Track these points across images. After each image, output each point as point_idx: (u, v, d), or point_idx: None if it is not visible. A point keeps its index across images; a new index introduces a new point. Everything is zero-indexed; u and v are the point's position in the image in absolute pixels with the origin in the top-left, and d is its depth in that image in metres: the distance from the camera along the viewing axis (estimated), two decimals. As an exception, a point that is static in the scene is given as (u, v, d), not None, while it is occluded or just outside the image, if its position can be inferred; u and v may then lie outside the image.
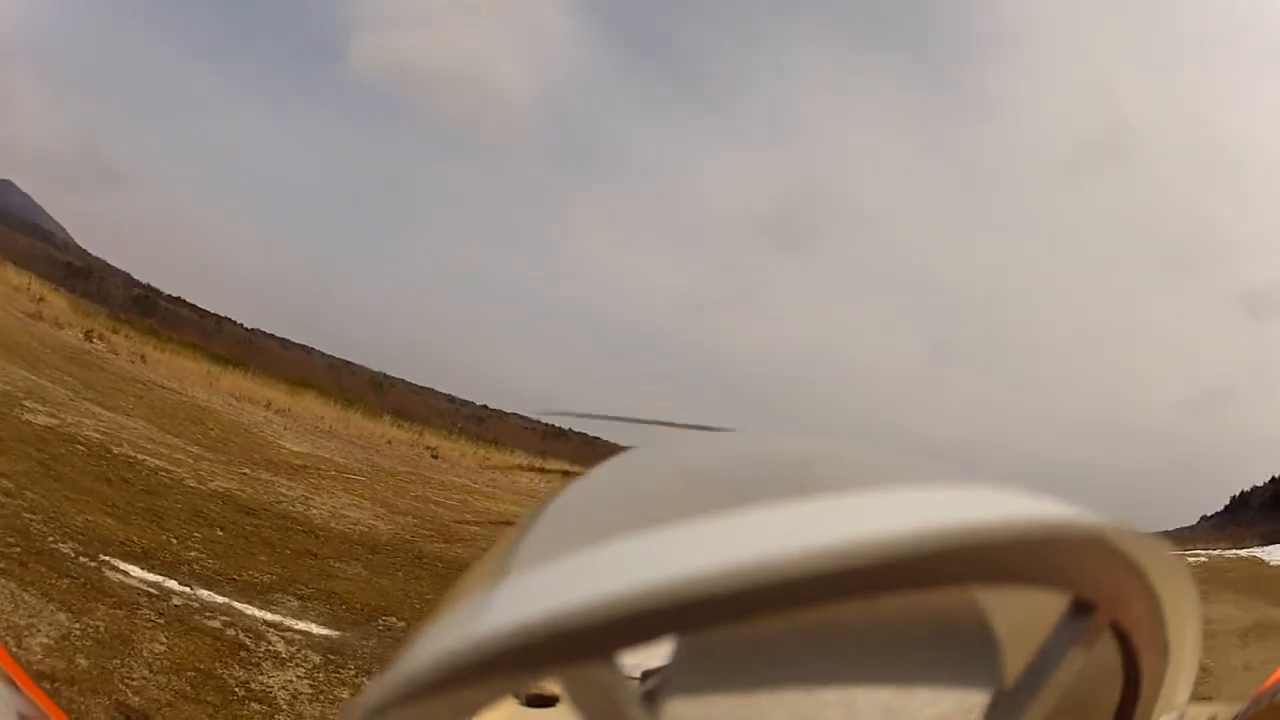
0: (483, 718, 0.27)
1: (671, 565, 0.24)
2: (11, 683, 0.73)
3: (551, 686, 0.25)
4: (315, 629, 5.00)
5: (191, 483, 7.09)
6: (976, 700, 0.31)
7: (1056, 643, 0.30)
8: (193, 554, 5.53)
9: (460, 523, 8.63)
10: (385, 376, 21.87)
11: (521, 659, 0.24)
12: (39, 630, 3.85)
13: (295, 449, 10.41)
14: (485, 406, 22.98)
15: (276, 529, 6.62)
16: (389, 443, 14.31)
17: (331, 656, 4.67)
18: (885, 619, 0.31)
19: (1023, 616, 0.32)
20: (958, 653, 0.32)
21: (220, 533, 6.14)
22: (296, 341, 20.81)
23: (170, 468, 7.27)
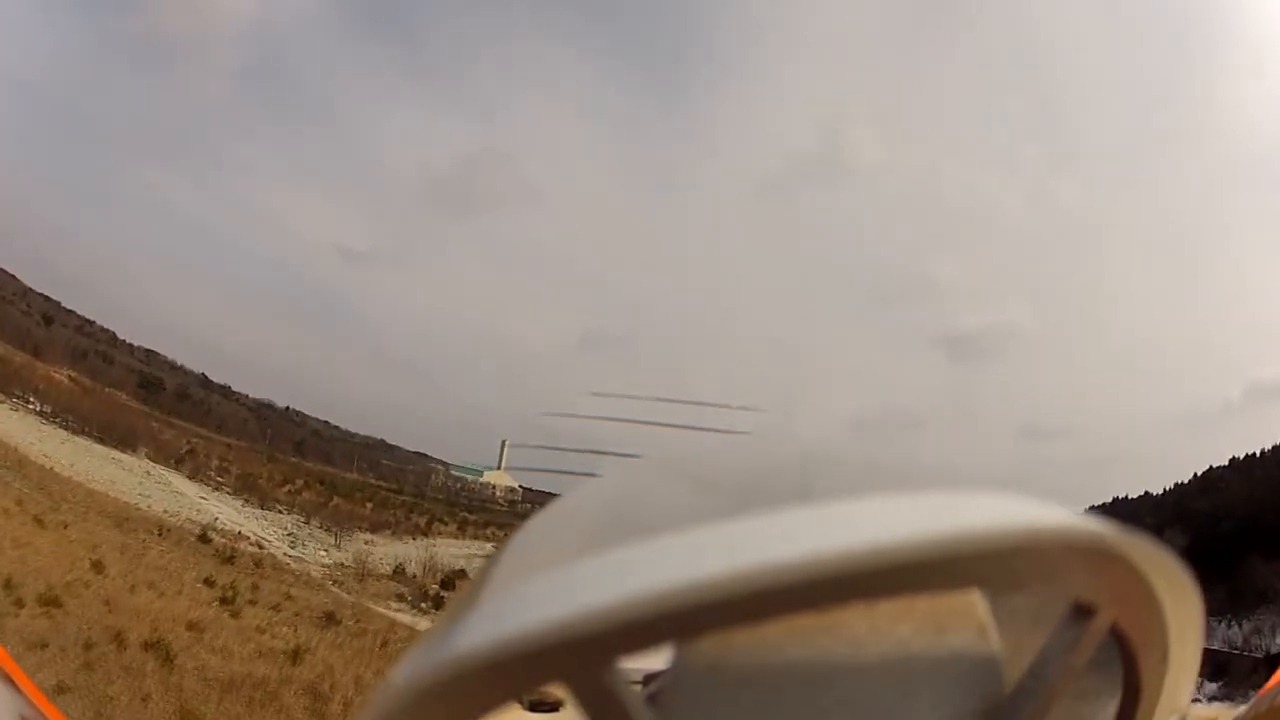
0: None
1: (674, 571, 0.24)
2: (12, 684, 0.73)
3: (555, 691, 0.26)
4: None
5: None
6: (978, 703, 0.31)
7: (1057, 646, 0.30)
8: None
9: None
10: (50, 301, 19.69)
11: (526, 665, 0.24)
12: None
13: None
14: (108, 330, 20.54)
15: None
16: None
17: None
18: (887, 623, 0.31)
19: (1024, 620, 0.33)
20: (959, 656, 0.32)
21: None
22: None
23: None
